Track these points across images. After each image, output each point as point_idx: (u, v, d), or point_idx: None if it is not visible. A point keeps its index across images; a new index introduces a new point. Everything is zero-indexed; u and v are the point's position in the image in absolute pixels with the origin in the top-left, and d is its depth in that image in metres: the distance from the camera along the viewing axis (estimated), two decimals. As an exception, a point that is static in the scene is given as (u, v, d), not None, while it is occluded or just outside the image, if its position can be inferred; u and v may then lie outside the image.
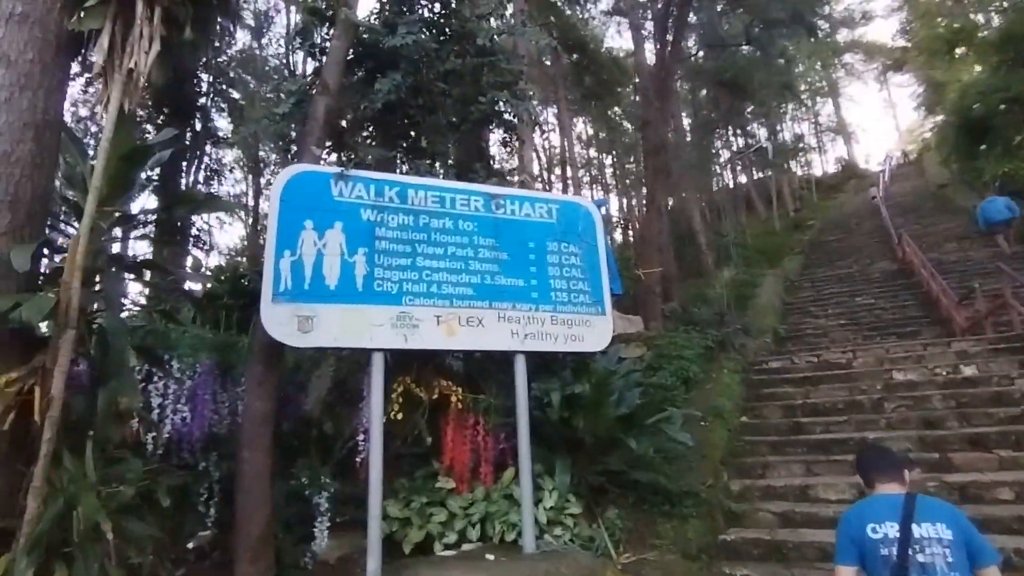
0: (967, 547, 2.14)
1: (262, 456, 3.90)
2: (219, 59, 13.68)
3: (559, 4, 17.66)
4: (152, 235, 6.60)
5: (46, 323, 3.22)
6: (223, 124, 14.46)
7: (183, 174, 12.89)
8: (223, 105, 14.03)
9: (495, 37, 5.80)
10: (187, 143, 12.26)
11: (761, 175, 34.96)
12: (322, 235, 4.04)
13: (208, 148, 13.94)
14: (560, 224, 4.86)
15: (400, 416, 4.41)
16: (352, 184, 4.26)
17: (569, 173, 25.59)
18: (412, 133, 5.84)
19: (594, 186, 32.23)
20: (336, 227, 4.10)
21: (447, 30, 5.82)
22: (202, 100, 12.96)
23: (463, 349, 4.51)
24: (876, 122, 78.46)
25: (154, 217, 4.64)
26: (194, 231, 13.13)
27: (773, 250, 20.44)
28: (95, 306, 3.45)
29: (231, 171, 17.90)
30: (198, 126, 12.83)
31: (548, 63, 19.74)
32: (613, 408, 4.93)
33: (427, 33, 5.59)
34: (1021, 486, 4.79)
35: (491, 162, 6.40)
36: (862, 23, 37.17)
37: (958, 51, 23.96)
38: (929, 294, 11.85)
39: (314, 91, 4.98)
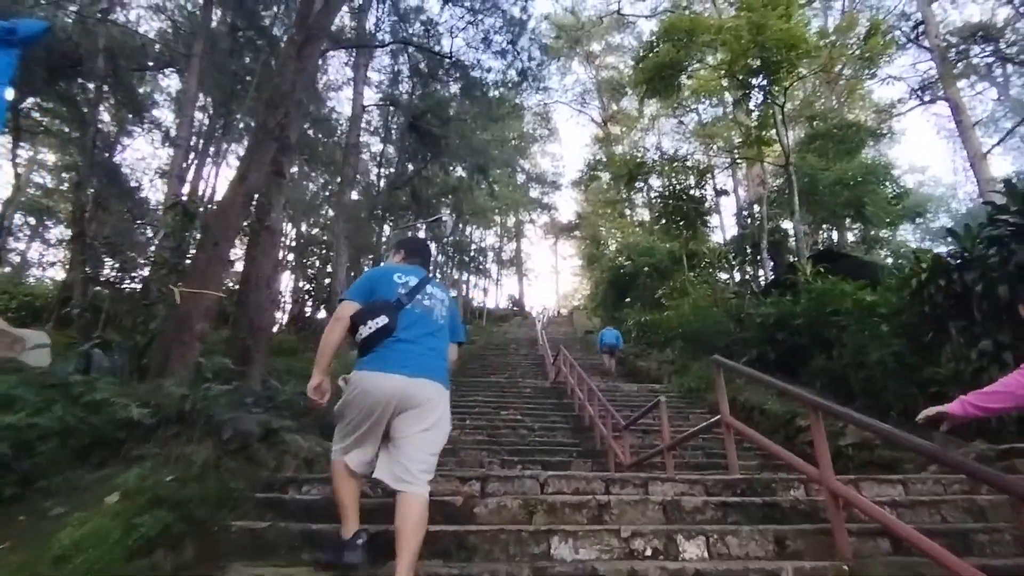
0: (452, 319, 2.94)
1: None
2: None
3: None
4: None
5: None
6: None
7: None
8: None
9: None
10: None
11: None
12: None
13: None
14: None
15: None
16: None
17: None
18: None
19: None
20: None
21: None
22: None
23: None
24: (543, 277, 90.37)
25: None
26: None
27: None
28: None
29: None
30: None
31: None
32: None
33: None
34: None
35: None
36: (551, 188, 41.95)
37: (623, 218, 27.57)
38: (582, 419, 9.14)
39: None
